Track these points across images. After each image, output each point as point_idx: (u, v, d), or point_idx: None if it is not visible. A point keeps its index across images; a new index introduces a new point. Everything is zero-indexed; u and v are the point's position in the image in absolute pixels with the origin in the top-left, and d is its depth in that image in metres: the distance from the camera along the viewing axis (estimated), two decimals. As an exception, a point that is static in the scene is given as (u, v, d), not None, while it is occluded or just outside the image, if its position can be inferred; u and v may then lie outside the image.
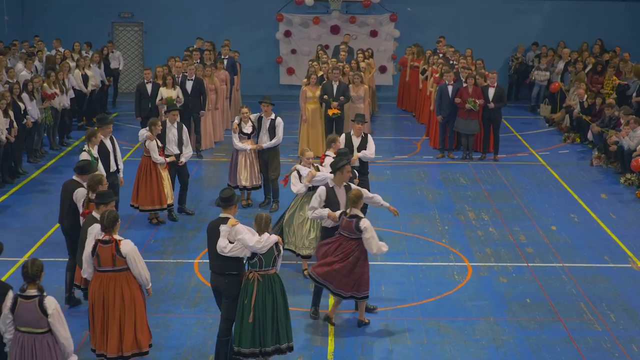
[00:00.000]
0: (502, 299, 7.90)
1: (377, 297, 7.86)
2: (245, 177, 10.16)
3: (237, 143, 10.18)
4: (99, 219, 6.31)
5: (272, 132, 10.21)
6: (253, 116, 10.28)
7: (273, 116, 10.28)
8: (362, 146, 9.18)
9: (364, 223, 6.92)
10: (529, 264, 8.76)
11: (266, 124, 10.22)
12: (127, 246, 5.98)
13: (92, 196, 6.94)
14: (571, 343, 7.02)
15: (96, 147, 8.62)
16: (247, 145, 10.16)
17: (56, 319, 5.29)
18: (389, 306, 7.69)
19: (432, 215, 10.43)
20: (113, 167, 8.92)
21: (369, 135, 9.41)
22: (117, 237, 6.03)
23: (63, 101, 13.19)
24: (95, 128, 9.00)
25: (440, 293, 7.99)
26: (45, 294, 5.40)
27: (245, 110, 10.25)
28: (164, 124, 9.71)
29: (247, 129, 10.23)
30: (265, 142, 10.20)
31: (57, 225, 9.61)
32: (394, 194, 11.27)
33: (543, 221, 10.21)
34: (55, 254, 8.81)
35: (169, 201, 9.63)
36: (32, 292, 5.34)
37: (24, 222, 9.99)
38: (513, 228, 9.94)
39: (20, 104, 11.83)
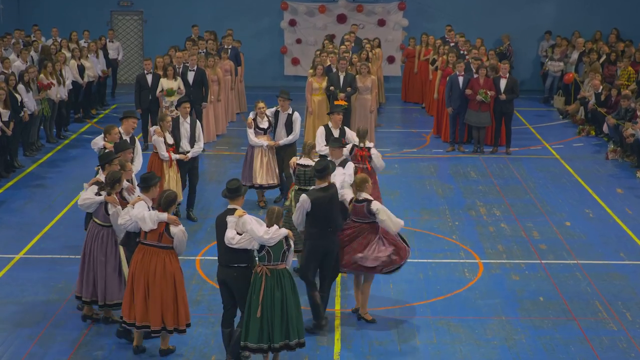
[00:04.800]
0: (515, 297, 7.76)
1: (385, 295, 7.74)
2: (261, 175, 9.84)
3: (253, 138, 9.86)
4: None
5: (289, 128, 9.95)
6: (269, 111, 10.01)
7: (290, 111, 10.02)
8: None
9: (375, 205, 6.92)
10: (542, 261, 8.61)
11: (283, 118, 9.98)
12: (177, 227, 6.40)
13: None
14: (586, 343, 6.88)
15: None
16: (264, 141, 9.88)
17: (114, 217, 6.73)
18: (397, 305, 7.56)
19: (442, 211, 10.25)
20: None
21: (346, 128, 9.32)
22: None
23: (60, 92, 13.00)
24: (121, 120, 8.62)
25: (450, 291, 7.85)
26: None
27: (261, 105, 9.96)
28: (176, 120, 9.35)
29: (263, 124, 9.94)
30: (282, 138, 9.96)
31: (55, 220, 9.52)
32: (403, 189, 11.11)
33: (557, 217, 10.04)
34: (52, 250, 8.68)
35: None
36: (103, 193, 6.81)
37: (20, 217, 9.83)
38: (526, 224, 9.75)
39: (17, 96, 11.63)
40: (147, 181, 6.67)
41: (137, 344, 6.56)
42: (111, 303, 6.84)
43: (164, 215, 6.34)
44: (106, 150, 7.93)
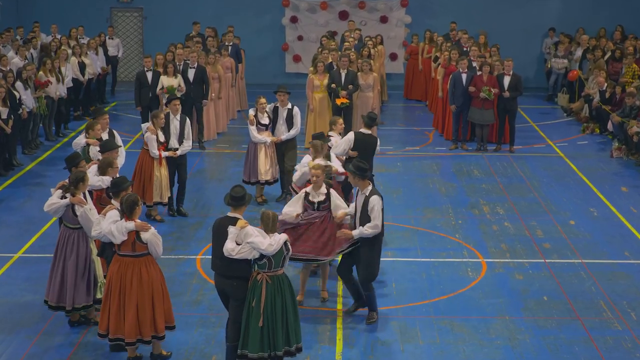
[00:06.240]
0: (518, 296, 7.70)
1: (388, 294, 7.68)
2: (265, 171, 9.82)
3: (256, 135, 9.82)
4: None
5: (289, 122, 9.93)
6: (268, 107, 9.97)
7: (290, 105, 10.00)
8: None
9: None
10: (546, 260, 8.55)
11: (283, 113, 9.95)
12: (147, 232, 6.16)
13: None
14: (590, 343, 6.83)
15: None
16: (267, 138, 9.83)
17: (84, 218, 6.58)
18: (400, 304, 7.50)
19: (445, 209, 10.18)
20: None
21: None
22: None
23: (59, 90, 12.91)
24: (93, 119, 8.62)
25: (453, 290, 7.80)
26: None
27: (262, 100, 9.93)
28: (167, 117, 9.33)
29: (264, 119, 9.91)
30: (283, 133, 9.93)
31: (54, 219, 9.41)
32: (405, 187, 11.06)
33: (561, 215, 9.97)
34: (52, 249, 8.47)
35: (158, 199, 9.18)
36: (67, 197, 6.66)
37: (19, 216, 9.79)
38: (529, 222, 9.69)
39: (15, 93, 11.55)
40: (117, 186, 6.48)
41: (131, 356, 6.35)
42: (79, 307, 6.68)
43: (132, 224, 6.10)
44: (86, 147, 7.88)
